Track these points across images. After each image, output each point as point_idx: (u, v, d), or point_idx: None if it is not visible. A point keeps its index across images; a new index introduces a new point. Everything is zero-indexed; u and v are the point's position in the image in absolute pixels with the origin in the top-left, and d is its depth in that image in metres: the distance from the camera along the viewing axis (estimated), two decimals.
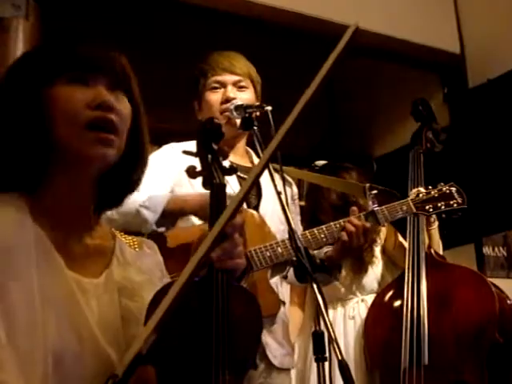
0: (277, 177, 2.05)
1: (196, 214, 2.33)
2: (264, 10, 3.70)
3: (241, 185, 2.40)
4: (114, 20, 3.78)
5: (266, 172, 2.01)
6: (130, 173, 1.37)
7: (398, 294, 2.72)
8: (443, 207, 2.60)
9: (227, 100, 2.49)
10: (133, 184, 1.39)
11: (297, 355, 3.00)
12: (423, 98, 3.08)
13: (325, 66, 1.03)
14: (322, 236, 2.41)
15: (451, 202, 2.60)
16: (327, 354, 1.79)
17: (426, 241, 2.86)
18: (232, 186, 2.39)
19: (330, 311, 3.01)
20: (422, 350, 2.54)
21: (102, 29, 3.67)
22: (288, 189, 2.50)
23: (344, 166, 3.14)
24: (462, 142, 4.08)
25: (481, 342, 2.52)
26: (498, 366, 2.54)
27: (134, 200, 2.26)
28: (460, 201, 2.60)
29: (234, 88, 2.54)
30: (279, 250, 2.35)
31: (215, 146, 1.37)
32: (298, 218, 2.74)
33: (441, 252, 3.00)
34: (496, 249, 4.31)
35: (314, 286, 1.49)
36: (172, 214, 2.29)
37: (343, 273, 3.05)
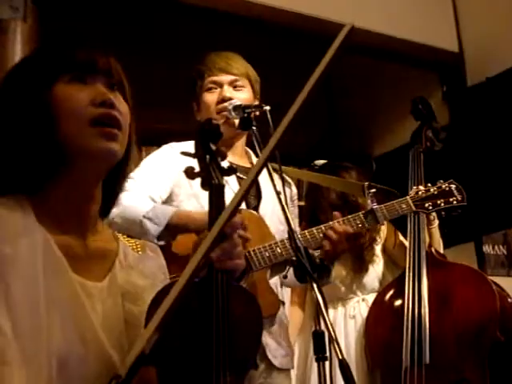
0: (276, 177, 2.05)
1: (200, 232, 2.31)
2: (264, 10, 3.71)
3: (240, 185, 2.39)
4: (113, 21, 3.78)
5: (266, 172, 2.01)
6: (119, 174, 1.38)
7: (399, 293, 2.72)
8: (443, 204, 2.59)
9: (223, 100, 2.49)
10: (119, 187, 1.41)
11: (297, 355, 3.00)
12: (422, 96, 3.08)
13: (321, 65, 1.04)
14: (321, 236, 2.40)
15: (451, 200, 2.59)
16: (328, 354, 1.78)
17: (427, 239, 2.86)
18: (232, 186, 2.39)
19: (331, 311, 3.00)
20: (423, 349, 2.53)
21: (100, 30, 3.67)
22: (287, 189, 2.50)
23: (343, 165, 3.13)
24: (462, 140, 4.08)
25: (482, 340, 2.52)
26: (500, 364, 2.54)
27: (138, 208, 2.26)
28: (459, 198, 2.60)
29: (230, 87, 2.54)
30: (278, 250, 2.35)
31: (213, 147, 1.37)
32: (297, 220, 2.73)
33: (441, 251, 3.00)
34: (496, 247, 4.31)
35: (314, 285, 1.49)
36: (175, 228, 2.26)
37: (343, 272, 3.06)
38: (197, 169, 1.37)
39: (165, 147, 2.53)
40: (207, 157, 1.36)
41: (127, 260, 1.36)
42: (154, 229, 2.24)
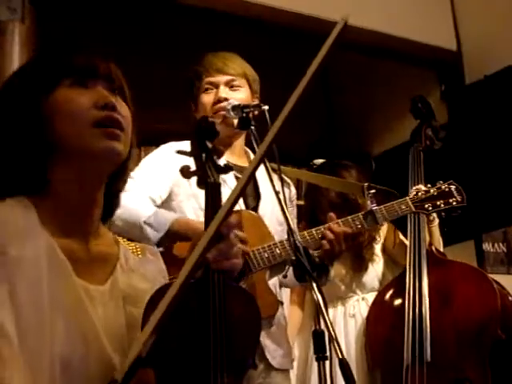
0: (275, 177, 2.04)
1: None
2: (263, 10, 3.72)
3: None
4: (111, 22, 3.79)
5: (265, 173, 2.00)
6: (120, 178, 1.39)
7: (400, 292, 2.72)
8: (442, 205, 2.59)
9: (219, 100, 2.49)
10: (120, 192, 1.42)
11: (297, 355, 3.00)
12: (422, 95, 3.08)
13: (315, 62, 1.04)
14: (321, 237, 2.40)
15: (450, 201, 2.59)
16: (328, 353, 1.78)
17: (427, 238, 2.85)
18: (230, 185, 2.39)
19: (330, 310, 3.00)
20: (425, 348, 2.53)
21: (99, 31, 3.68)
22: (286, 190, 2.50)
23: (343, 163, 3.13)
24: (460, 138, 4.07)
25: (483, 338, 2.52)
26: (501, 362, 2.54)
27: (139, 212, 2.26)
28: (459, 199, 2.59)
29: (227, 88, 2.53)
30: (277, 250, 2.35)
31: (210, 145, 1.36)
32: (295, 220, 2.73)
33: (441, 249, 2.99)
34: (496, 245, 4.31)
35: (314, 285, 1.49)
36: (175, 235, 2.25)
37: (343, 271, 3.05)
38: (193, 167, 1.37)
39: (164, 147, 2.53)
40: (203, 155, 1.35)
41: (128, 264, 1.37)
42: (153, 235, 2.24)
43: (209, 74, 2.54)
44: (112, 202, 1.40)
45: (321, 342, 1.78)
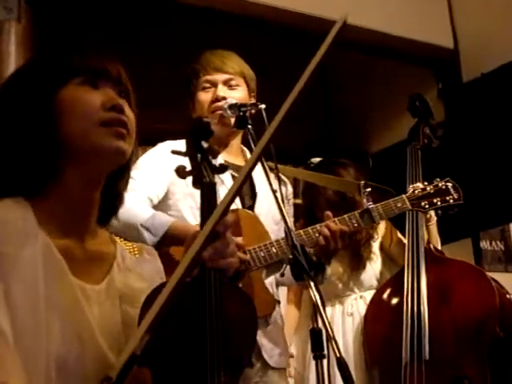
0: (272, 176, 2.04)
1: None
2: (265, 9, 3.73)
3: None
4: (108, 21, 3.78)
5: (261, 171, 2.00)
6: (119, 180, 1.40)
7: (398, 290, 2.72)
8: (439, 203, 2.59)
9: (217, 99, 2.49)
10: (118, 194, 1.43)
11: (294, 354, 3.00)
12: (419, 93, 3.07)
13: (314, 60, 1.04)
14: (317, 236, 2.39)
15: (447, 198, 2.59)
16: (325, 352, 1.78)
17: (425, 236, 2.85)
18: (227, 185, 2.39)
19: (328, 308, 3.00)
20: (423, 346, 2.54)
21: (95, 30, 3.67)
22: (283, 188, 2.49)
23: (340, 162, 3.13)
24: (458, 136, 4.08)
25: (481, 336, 2.52)
26: (499, 360, 2.54)
27: (137, 213, 2.26)
28: (456, 196, 2.59)
29: (225, 87, 2.53)
30: (273, 249, 2.35)
31: (205, 145, 1.36)
32: (292, 219, 2.73)
33: (439, 247, 3.00)
34: (493, 243, 4.31)
35: (311, 283, 1.49)
36: (171, 239, 2.24)
37: (340, 269, 3.05)
38: (188, 167, 1.37)
39: (160, 145, 2.52)
40: (198, 155, 1.35)
41: (125, 263, 1.37)
42: (150, 239, 2.24)
43: (207, 73, 2.54)
44: (113, 202, 1.40)
45: (318, 341, 1.78)
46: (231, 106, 2.41)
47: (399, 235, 3.11)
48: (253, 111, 2.35)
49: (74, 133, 1.27)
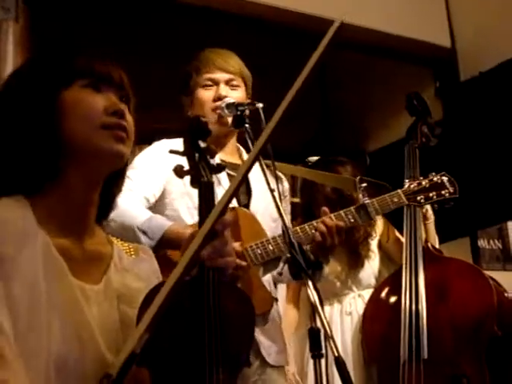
0: (268, 173, 2.04)
1: None
2: (265, 9, 3.74)
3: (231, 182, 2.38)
4: (106, 21, 3.78)
5: (257, 169, 2.00)
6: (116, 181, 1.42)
7: (396, 289, 2.72)
8: (435, 197, 2.60)
9: (219, 98, 2.49)
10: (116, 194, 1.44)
11: (293, 353, 3.00)
12: (417, 92, 3.07)
13: (311, 61, 1.05)
14: (313, 232, 2.40)
15: (443, 192, 2.59)
16: (324, 351, 1.78)
17: (423, 235, 2.85)
18: (224, 184, 2.39)
19: (327, 307, 2.99)
20: (421, 344, 2.54)
21: (93, 30, 3.67)
22: (279, 185, 2.49)
23: (338, 160, 3.13)
24: (456, 135, 4.07)
25: (479, 335, 2.52)
26: (497, 359, 2.54)
27: (134, 215, 2.26)
28: (452, 190, 2.60)
29: (227, 86, 2.53)
30: (270, 247, 2.35)
31: (202, 144, 1.37)
32: (289, 216, 2.73)
33: (437, 246, 3.00)
34: (491, 241, 4.32)
35: (309, 282, 1.49)
36: (168, 243, 2.24)
37: (338, 268, 3.05)
38: (186, 167, 1.37)
39: (156, 144, 2.52)
40: (196, 155, 1.35)
41: (122, 263, 1.38)
42: (147, 242, 2.23)
43: (210, 70, 2.54)
44: (107, 203, 1.41)
45: (316, 340, 1.78)
46: (229, 106, 2.41)
47: (397, 234, 3.11)
48: (250, 110, 2.35)
49: (75, 134, 1.28)
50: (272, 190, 1.92)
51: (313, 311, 1.66)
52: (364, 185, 2.56)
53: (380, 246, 3.13)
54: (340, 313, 3.02)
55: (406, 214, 2.77)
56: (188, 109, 2.59)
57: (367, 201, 2.49)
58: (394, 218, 2.90)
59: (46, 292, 1.20)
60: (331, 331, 1.35)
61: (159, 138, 2.55)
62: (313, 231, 2.39)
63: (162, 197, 2.45)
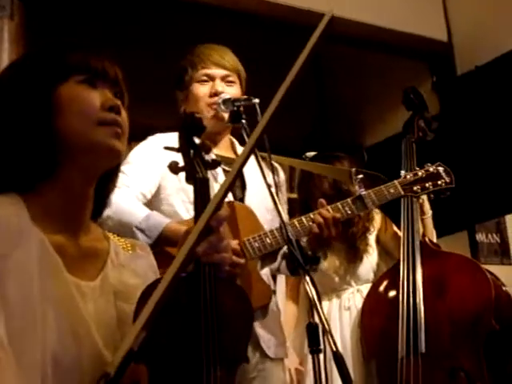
0: (264, 166, 2.05)
1: None
2: (256, 3, 3.75)
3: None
4: (99, 17, 3.78)
5: (252, 162, 2.00)
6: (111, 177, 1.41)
7: (394, 283, 2.71)
8: (431, 187, 2.60)
9: (216, 93, 2.49)
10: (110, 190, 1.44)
11: (293, 349, 3.00)
12: (414, 86, 3.07)
13: (302, 54, 1.05)
14: (311, 223, 2.40)
15: (439, 182, 2.60)
16: (322, 346, 1.78)
17: (421, 230, 2.85)
18: (220, 180, 2.39)
19: (326, 303, 2.99)
20: (419, 339, 2.53)
21: (87, 27, 3.66)
22: (275, 176, 2.49)
23: (335, 155, 3.13)
24: (453, 129, 4.08)
25: (477, 329, 2.52)
26: (495, 353, 2.54)
27: (132, 213, 2.26)
28: (448, 180, 2.60)
29: (223, 82, 2.53)
30: (268, 240, 2.35)
31: (197, 141, 1.36)
32: (286, 206, 2.73)
33: (435, 240, 2.99)
34: (489, 235, 4.32)
35: (307, 277, 1.49)
36: (166, 241, 2.24)
37: (337, 262, 3.05)
38: (181, 163, 1.37)
39: (151, 139, 2.52)
40: (191, 151, 1.35)
41: (119, 259, 1.38)
42: (144, 240, 2.22)
43: (206, 66, 2.54)
44: (102, 200, 1.41)
45: (315, 335, 1.78)
46: (225, 101, 2.42)
47: (395, 228, 3.11)
48: (246, 106, 2.35)
49: (71, 129, 1.28)
50: (269, 186, 1.92)
51: (311, 306, 1.67)
52: (360, 176, 2.56)
53: (378, 240, 3.13)
54: (339, 308, 3.01)
55: (403, 205, 2.77)
56: (182, 104, 2.59)
57: (363, 192, 2.49)
58: (392, 214, 2.89)
59: (41, 289, 1.19)
60: (329, 326, 1.35)
61: (153, 134, 2.55)
62: (310, 223, 2.39)
63: (158, 192, 2.44)
